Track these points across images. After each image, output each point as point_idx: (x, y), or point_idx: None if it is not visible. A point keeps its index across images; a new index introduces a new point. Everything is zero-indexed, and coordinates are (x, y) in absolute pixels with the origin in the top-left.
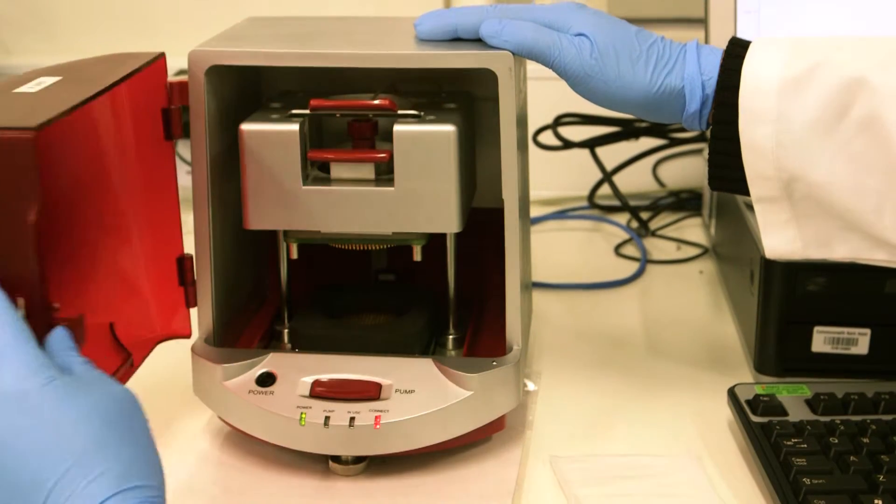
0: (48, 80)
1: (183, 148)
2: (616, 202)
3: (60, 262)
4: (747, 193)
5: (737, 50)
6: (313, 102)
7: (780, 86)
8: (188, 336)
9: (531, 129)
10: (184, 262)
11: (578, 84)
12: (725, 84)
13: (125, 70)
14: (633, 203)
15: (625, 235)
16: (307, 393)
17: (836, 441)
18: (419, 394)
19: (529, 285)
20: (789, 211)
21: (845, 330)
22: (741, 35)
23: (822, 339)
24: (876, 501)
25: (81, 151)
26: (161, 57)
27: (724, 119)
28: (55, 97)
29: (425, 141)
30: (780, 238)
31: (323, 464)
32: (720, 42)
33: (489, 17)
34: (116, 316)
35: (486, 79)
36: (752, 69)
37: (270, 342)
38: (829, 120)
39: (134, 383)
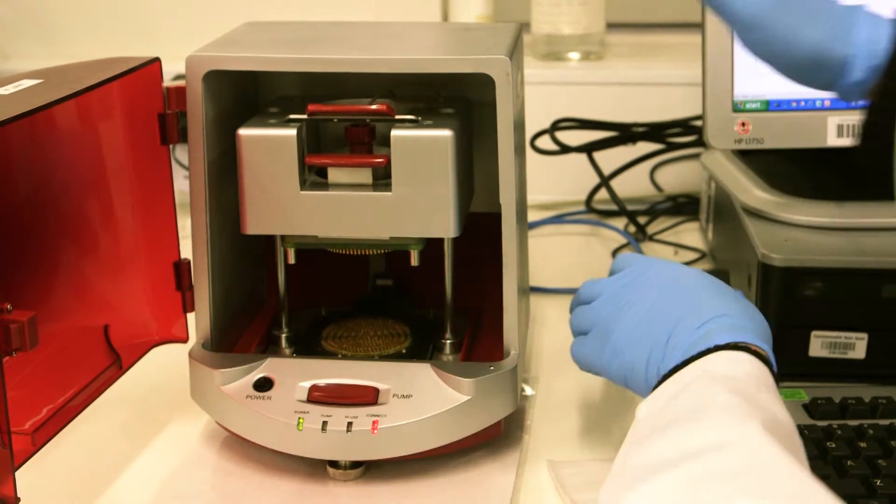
0: (28, 83)
1: (181, 153)
2: (613, 207)
3: (18, 264)
4: (891, 177)
5: None
6: (311, 107)
7: None
8: (185, 341)
9: (529, 134)
10: (181, 267)
11: (747, 31)
12: None
13: (109, 74)
14: (630, 208)
15: (622, 240)
16: (305, 398)
17: (834, 446)
18: (417, 399)
19: (527, 290)
20: None
21: (842, 334)
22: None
23: (820, 344)
24: None
25: (48, 154)
26: (155, 62)
27: (893, 90)
28: (24, 100)
29: (422, 145)
30: None
31: (321, 469)
32: (718, 43)
33: None
34: (111, 319)
35: (483, 83)
36: None
37: (268, 347)
38: None
39: (132, 387)
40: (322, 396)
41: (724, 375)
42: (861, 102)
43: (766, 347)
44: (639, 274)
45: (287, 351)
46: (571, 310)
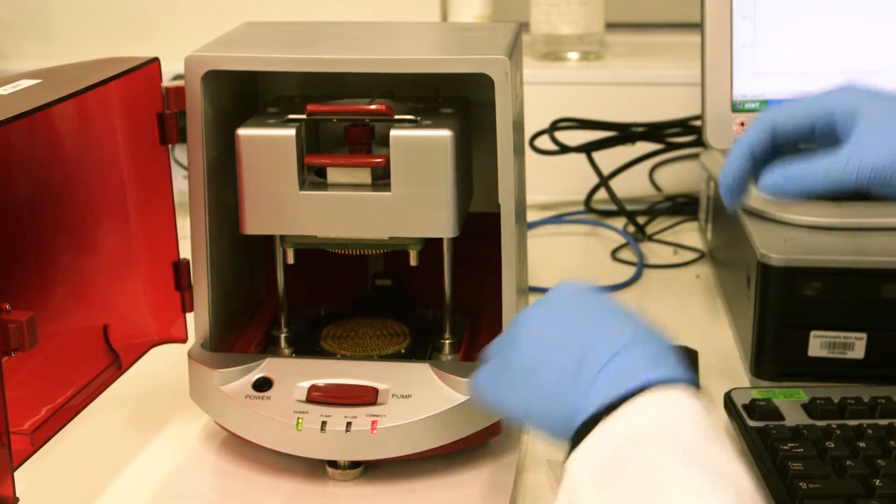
0: (26, 83)
1: (180, 153)
2: (613, 207)
3: (17, 264)
4: None
5: None
6: (310, 107)
7: None
8: (184, 341)
9: (528, 134)
10: (180, 267)
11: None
12: None
13: (108, 74)
14: (629, 207)
15: (621, 240)
16: (304, 398)
17: (833, 445)
18: (416, 398)
19: (526, 290)
20: None
21: (842, 334)
22: (736, 39)
23: (819, 344)
24: None
25: (47, 154)
26: (154, 62)
27: None
28: (23, 100)
29: (422, 146)
30: None
31: (320, 469)
32: (717, 43)
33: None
34: (110, 319)
35: (482, 83)
36: None
37: (267, 347)
38: None
39: (131, 387)
40: (321, 396)
41: (664, 429)
42: None
43: (687, 375)
44: (540, 300)
45: (286, 351)
46: None
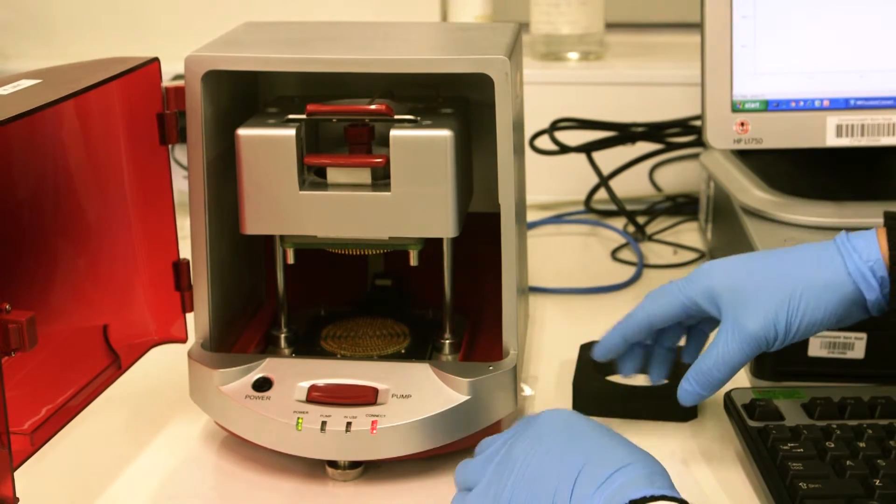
0: (27, 83)
1: (180, 153)
2: (613, 207)
3: (17, 264)
4: None
5: (891, 223)
6: (310, 107)
7: None
8: (184, 341)
9: (528, 134)
10: (180, 267)
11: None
12: None
13: (108, 74)
14: (629, 207)
15: (621, 240)
16: (304, 398)
17: (833, 445)
18: (416, 399)
19: (526, 290)
20: None
21: (841, 334)
22: (736, 39)
23: (819, 344)
24: None
25: (47, 154)
26: (154, 62)
27: None
28: (23, 100)
29: (422, 146)
30: None
31: (320, 469)
32: (717, 43)
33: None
34: (110, 320)
35: (482, 83)
36: None
37: (267, 347)
38: None
39: (131, 387)
40: (321, 396)
41: None
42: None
43: (678, 494)
44: (527, 424)
45: (286, 351)
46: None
